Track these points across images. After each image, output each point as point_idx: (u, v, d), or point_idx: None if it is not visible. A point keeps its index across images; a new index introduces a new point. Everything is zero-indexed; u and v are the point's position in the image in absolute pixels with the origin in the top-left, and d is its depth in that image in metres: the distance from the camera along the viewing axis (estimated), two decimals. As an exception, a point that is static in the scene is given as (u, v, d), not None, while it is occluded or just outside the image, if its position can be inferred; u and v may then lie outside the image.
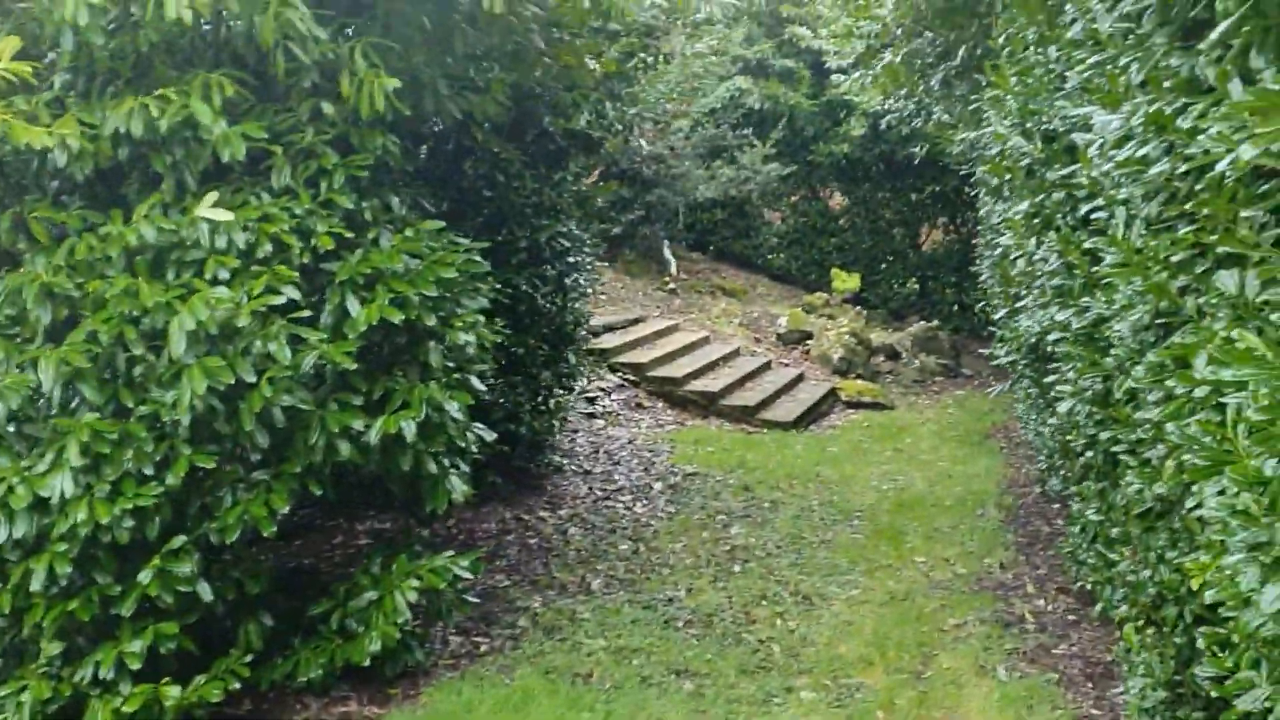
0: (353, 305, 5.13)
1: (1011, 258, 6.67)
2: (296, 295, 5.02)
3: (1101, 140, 4.39)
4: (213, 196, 5.03)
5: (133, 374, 4.99)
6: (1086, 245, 4.95)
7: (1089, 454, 5.59)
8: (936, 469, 10.79)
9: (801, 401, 12.99)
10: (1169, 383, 3.38)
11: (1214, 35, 2.91)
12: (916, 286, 21.38)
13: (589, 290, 9.77)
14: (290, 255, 5.09)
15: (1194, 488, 3.69)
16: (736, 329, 15.63)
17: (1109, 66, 3.87)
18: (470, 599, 6.30)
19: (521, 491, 9.13)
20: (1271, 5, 2.72)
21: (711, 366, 13.33)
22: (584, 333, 9.93)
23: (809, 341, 15.73)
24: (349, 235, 5.31)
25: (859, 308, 18.04)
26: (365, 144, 5.36)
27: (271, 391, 4.83)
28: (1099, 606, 5.76)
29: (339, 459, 5.19)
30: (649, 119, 15.90)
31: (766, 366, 14.17)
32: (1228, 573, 2.92)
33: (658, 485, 9.64)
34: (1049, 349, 6.16)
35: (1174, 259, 3.52)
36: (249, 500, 5.03)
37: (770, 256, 20.88)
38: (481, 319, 5.66)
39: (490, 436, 6.05)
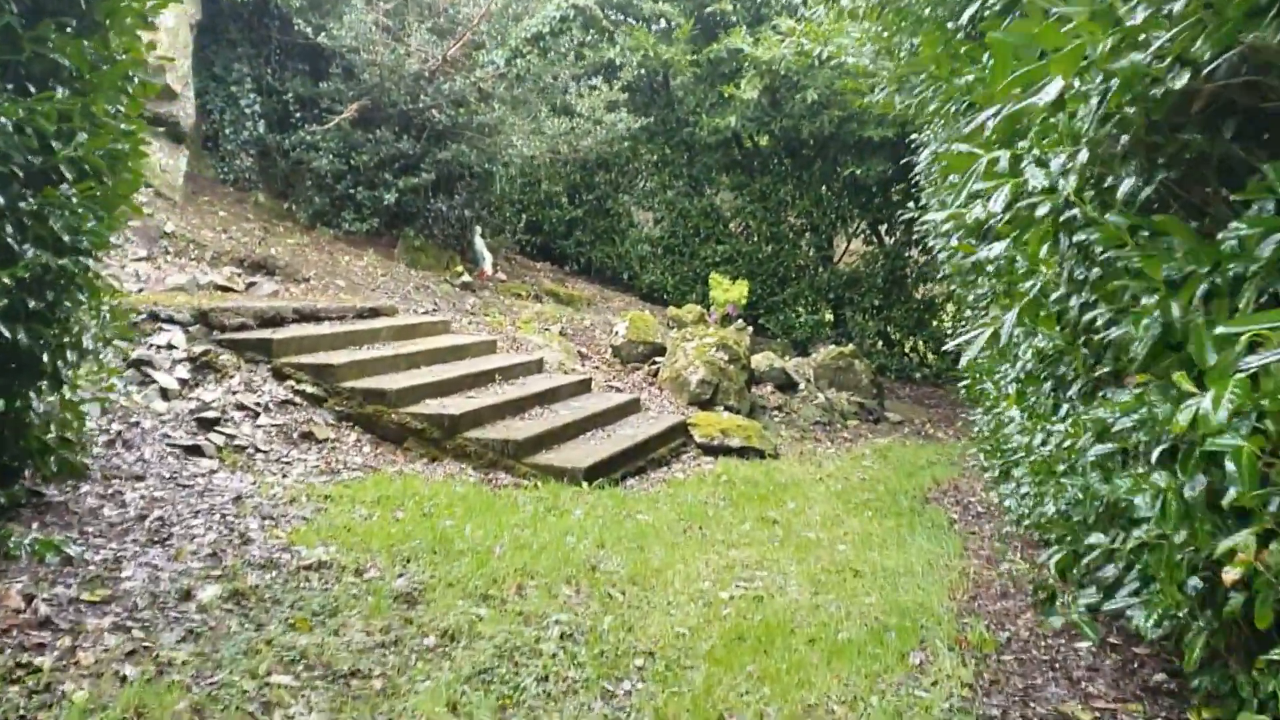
0: None
1: None
2: None
3: None
4: None
5: None
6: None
7: None
8: (832, 558, 5.65)
9: (619, 439, 7.78)
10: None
11: None
12: (829, 315, 16.53)
13: (104, 177, 4.50)
14: None
15: None
16: (551, 338, 10.42)
17: None
18: None
19: None
20: None
21: (475, 381, 8.08)
22: (89, 259, 4.65)
23: (659, 359, 10.58)
24: None
25: (748, 328, 12.91)
26: None
27: None
28: None
29: None
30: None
31: (581, 388, 8.97)
32: None
33: (209, 592, 4.29)
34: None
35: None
36: None
37: (638, 269, 15.86)
38: None
39: None
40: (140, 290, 8.19)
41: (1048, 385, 3.89)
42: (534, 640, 4.11)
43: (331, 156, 11.14)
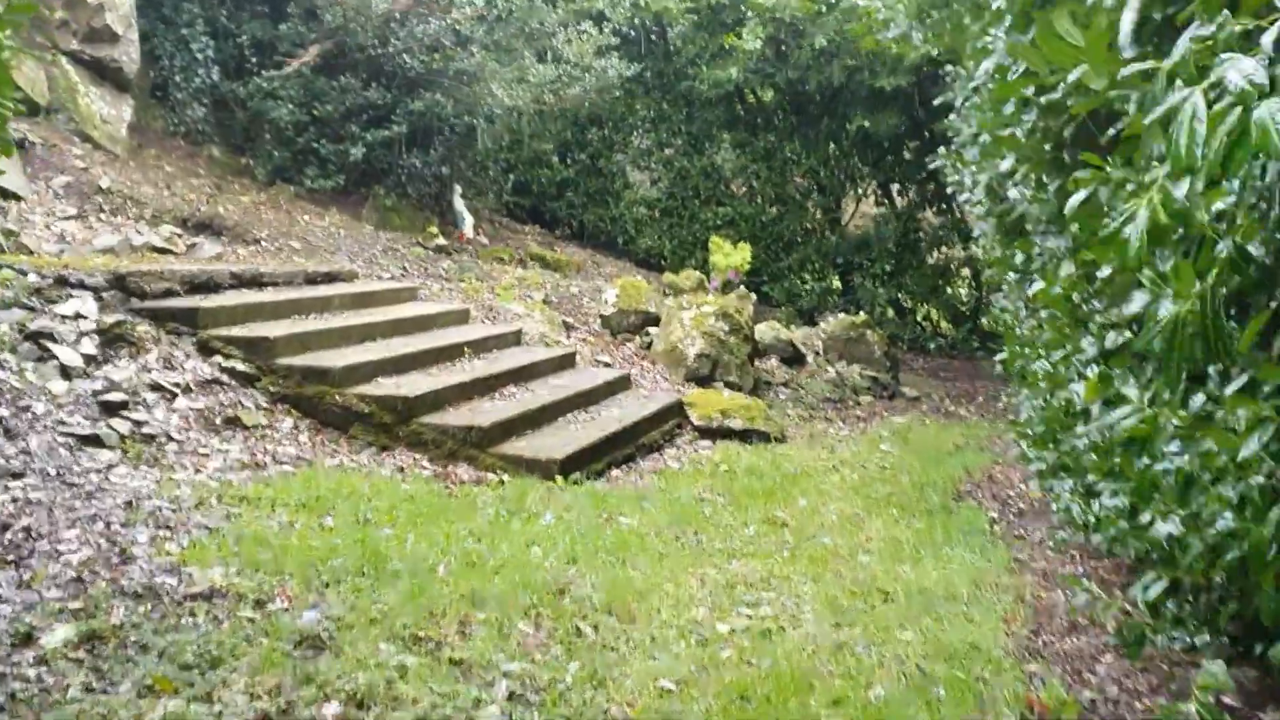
0: None
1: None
2: None
3: None
4: None
5: None
6: None
7: None
8: (854, 574, 4.68)
9: (604, 423, 6.80)
10: None
11: None
12: (837, 281, 15.47)
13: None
14: None
15: None
16: (533, 306, 9.41)
17: None
18: None
19: None
20: None
21: (439, 356, 7.09)
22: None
23: (653, 330, 9.57)
24: None
25: (751, 296, 11.86)
26: None
27: None
28: None
29: None
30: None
31: (563, 363, 7.98)
32: None
33: (58, 635, 3.32)
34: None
35: None
36: None
37: (634, 233, 14.79)
38: None
39: None
40: (62, 252, 7.19)
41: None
42: (472, 703, 3.14)
43: (292, 106, 10.07)
